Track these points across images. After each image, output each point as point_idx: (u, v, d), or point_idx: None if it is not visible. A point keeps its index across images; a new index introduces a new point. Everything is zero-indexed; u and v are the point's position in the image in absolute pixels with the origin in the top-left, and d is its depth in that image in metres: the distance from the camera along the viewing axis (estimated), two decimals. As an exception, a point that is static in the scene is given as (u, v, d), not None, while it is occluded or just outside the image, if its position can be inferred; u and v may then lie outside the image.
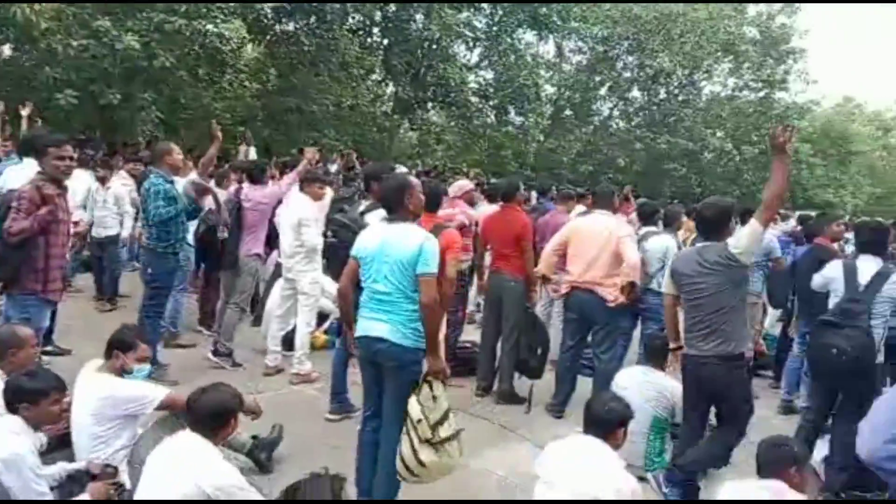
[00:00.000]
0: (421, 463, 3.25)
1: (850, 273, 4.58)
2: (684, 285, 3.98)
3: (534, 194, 11.05)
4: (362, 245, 3.52)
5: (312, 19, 16.80)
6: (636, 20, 23.22)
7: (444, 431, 3.29)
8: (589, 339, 5.51)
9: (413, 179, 3.76)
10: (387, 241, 3.41)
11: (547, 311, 6.84)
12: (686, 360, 4.02)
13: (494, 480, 4.27)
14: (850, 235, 9.31)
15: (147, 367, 3.55)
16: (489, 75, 22.87)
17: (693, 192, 26.70)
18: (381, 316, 3.40)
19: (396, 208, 3.51)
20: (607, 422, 3.14)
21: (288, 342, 5.92)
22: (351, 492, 3.47)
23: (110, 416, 3.27)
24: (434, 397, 3.33)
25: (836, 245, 6.71)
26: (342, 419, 4.81)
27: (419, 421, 3.24)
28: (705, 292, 3.84)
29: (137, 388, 3.30)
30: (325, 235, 5.42)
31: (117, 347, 3.46)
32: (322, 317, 6.48)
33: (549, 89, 26.26)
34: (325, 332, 6.60)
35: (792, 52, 27.21)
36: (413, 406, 3.28)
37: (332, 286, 5.45)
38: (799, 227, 10.10)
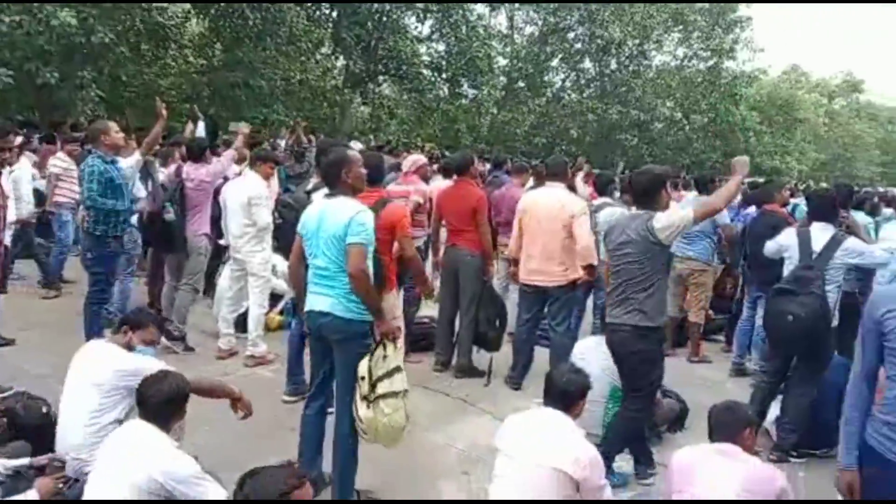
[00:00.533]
0: (359, 419, 3.32)
1: (804, 240, 4.67)
2: (610, 251, 3.99)
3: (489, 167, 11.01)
4: (304, 222, 3.52)
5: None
6: (587, -11, 23.26)
7: (381, 388, 3.33)
8: (545, 310, 5.52)
9: (353, 154, 3.68)
10: (324, 216, 3.40)
11: (504, 284, 6.84)
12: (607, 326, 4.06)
13: (454, 454, 4.27)
14: (797, 201, 9.56)
15: (151, 349, 3.48)
16: (441, 48, 22.69)
17: (645, 162, 27.06)
18: (323, 290, 3.40)
19: (335, 183, 3.48)
20: (567, 393, 3.13)
21: (241, 324, 5.81)
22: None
23: (114, 385, 3.19)
24: (385, 356, 3.38)
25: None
26: (299, 401, 4.75)
27: (362, 378, 3.31)
28: (622, 260, 3.85)
29: (144, 361, 3.24)
30: (272, 215, 5.31)
31: (128, 324, 3.44)
32: (276, 297, 6.37)
33: (502, 61, 26.21)
34: (281, 312, 6.49)
35: (739, 21, 27.63)
36: (362, 365, 3.33)
37: (284, 265, 5.35)
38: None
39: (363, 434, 3.37)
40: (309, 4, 19.35)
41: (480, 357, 5.67)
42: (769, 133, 33.40)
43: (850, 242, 4.54)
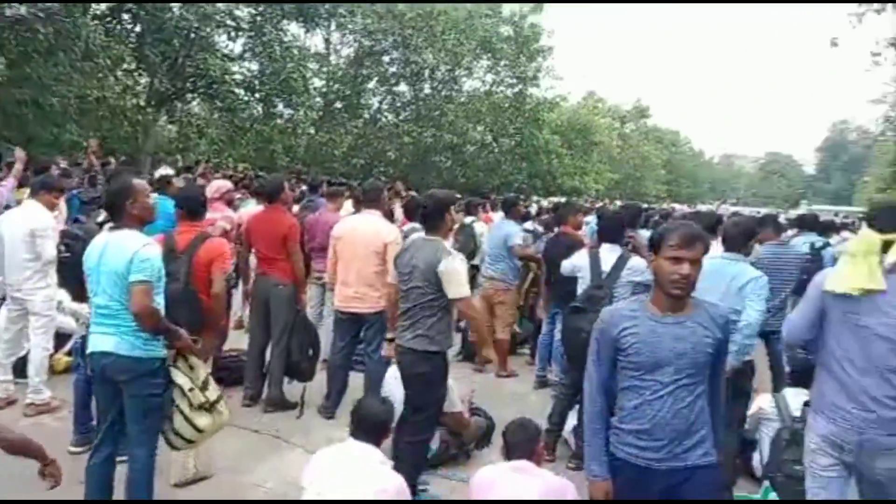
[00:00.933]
0: (198, 429, 3.33)
1: (594, 261, 5.05)
2: (400, 274, 4.07)
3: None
4: (86, 257, 3.32)
5: (49, 3, 14.99)
6: (400, 17, 23.76)
7: (211, 394, 3.41)
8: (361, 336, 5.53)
9: (138, 183, 3.46)
10: (105, 250, 3.22)
11: (318, 312, 6.77)
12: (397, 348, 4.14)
13: (262, 494, 4.13)
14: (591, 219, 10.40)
15: None
16: (254, 67, 22.12)
17: (458, 183, 28.08)
18: (106, 329, 3.23)
19: (119, 215, 3.30)
20: (374, 425, 3.17)
21: (21, 368, 5.24)
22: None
23: None
24: (191, 367, 3.38)
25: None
26: (87, 451, 4.36)
27: (191, 389, 3.29)
28: (410, 284, 3.95)
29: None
30: (58, 248, 4.87)
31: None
32: (63, 337, 5.82)
33: (318, 82, 26.05)
34: (68, 353, 5.92)
35: (542, 51, 29.51)
36: (180, 377, 3.29)
37: (70, 302, 4.92)
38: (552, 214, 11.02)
39: (185, 444, 3.41)
40: (108, 19, 18.09)
41: (292, 388, 5.55)
42: (569, 155, 35.97)
43: (634, 261, 4.94)
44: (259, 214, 5.92)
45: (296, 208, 8.79)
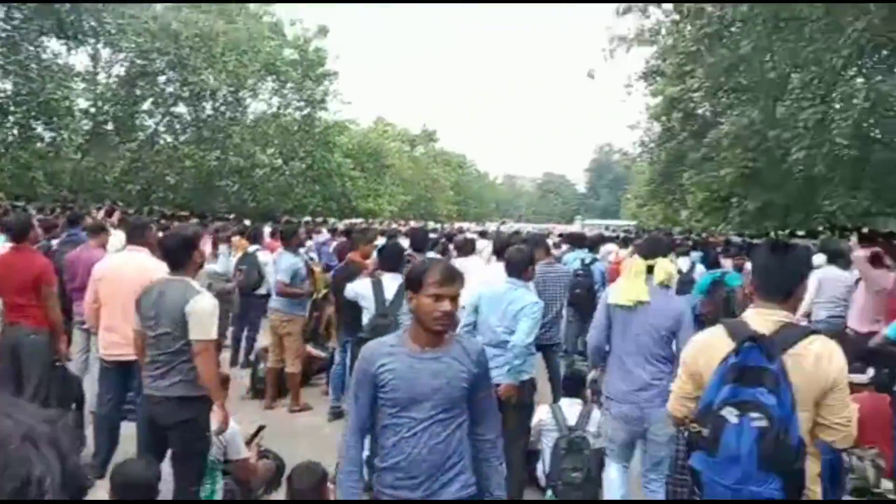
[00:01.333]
0: None
1: (377, 289, 5.05)
2: (144, 318, 3.79)
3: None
4: None
5: None
6: (175, 36, 22.50)
7: None
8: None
9: None
10: None
11: (83, 359, 6.09)
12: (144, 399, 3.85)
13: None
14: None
15: None
16: (8, 86, 19.75)
17: (248, 208, 27.13)
18: None
19: None
20: (135, 490, 2.88)
21: None
22: None
23: None
24: None
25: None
26: None
27: None
28: (158, 331, 3.72)
29: None
30: None
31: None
32: None
33: (84, 103, 23.86)
34: None
35: (328, 75, 29.46)
36: None
37: None
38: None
39: None
40: None
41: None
42: (363, 178, 36.26)
43: None
44: (4, 256, 5.24)
45: (55, 243, 7.97)
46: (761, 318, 2.54)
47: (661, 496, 4.08)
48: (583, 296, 7.89)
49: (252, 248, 8.66)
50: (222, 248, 8.29)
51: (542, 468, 5.10)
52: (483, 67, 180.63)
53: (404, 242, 8.77)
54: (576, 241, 10.18)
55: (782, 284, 2.58)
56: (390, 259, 5.29)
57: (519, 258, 4.81)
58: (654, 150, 21.64)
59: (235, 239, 9.48)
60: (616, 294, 4.10)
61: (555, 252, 10.04)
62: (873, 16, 8.78)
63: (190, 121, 26.25)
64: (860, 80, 9.28)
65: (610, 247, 12.01)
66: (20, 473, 0.77)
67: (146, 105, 25.52)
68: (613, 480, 4.31)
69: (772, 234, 18.05)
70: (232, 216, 25.46)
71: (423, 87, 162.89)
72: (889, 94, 8.95)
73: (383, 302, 5.00)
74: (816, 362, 2.43)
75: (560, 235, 17.54)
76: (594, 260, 8.79)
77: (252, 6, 27.16)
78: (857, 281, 7.56)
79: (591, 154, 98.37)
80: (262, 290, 7.94)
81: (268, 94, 28.67)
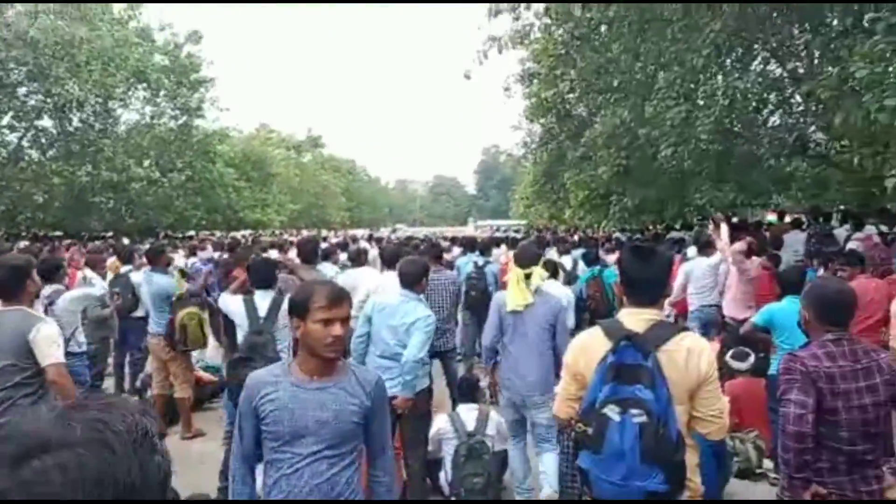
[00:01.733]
0: None
1: (250, 307, 4.91)
2: None
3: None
4: None
5: None
6: (35, 44, 20.98)
7: None
8: None
9: None
10: None
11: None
12: None
13: None
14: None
15: None
16: None
17: (125, 225, 25.76)
18: None
19: None
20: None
21: None
22: None
23: None
24: None
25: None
26: None
27: None
28: None
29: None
30: None
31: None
32: None
33: (-71, 118, 21.90)
34: None
35: (204, 81, 28.39)
36: None
37: None
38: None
39: None
40: None
41: None
42: (248, 188, 35.25)
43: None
44: None
45: None
46: (634, 318, 2.63)
47: (553, 461, 4.65)
48: (478, 298, 8.00)
49: (125, 269, 8.21)
50: (88, 272, 7.74)
51: (444, 477, 5.12)
52: (367, 71, 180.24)
53: (292, 253, 8.61)
54: (469, 245, 10.40)
55: (648, 291, 2.69)
56: (260, 275, 5.14)
57: (412, 270, 4.78)
58: (536, 150, 22.25)
59: (111, 261, 8.93)
60: (509, 302, 4.80)
61: (447, 256, 10.16)
62: (727, 16, 9.39)
63: (56, 134, 24.59)
64: (720, 78, 9.85)
65: (501, 249, 12.29)
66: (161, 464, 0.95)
67: (6, 119, 23.68)
68: (514, 462, 4.96)
69: (650, 227, 18.99)
70: (109, 234, 24.08)
71: (306, 92, 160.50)
72: (746, 92, 9.56)
73: (257, 319, 4.86)
74: (688, 357, 2.54)
75: (451, 239, 17.73)
76: (487, 262, 8.94)
77: (117, 11, 25.75)
78: (719, 264, 8.02)
79: (479, 156, 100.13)
80: (139, 313, 7.53)
81: (140, 104, 27.28)
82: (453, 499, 4.92)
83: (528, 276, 4.82)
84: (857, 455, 2.83)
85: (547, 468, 4.76)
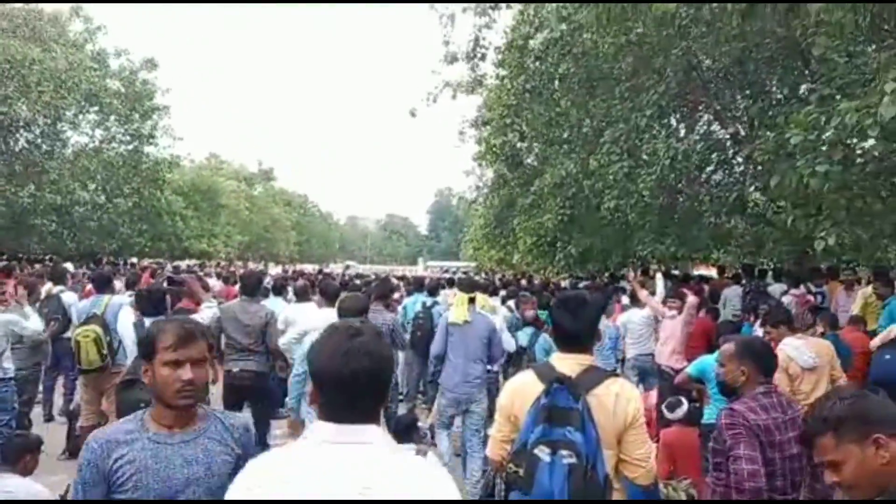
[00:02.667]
0: None
1: (139, 331, 5.12)
2: None
3: None
4: None
5: None
6: (-19, 64, 20.56)
7: None
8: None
9: None
10: None
11: None
12: None
13: None
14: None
15: None
16: None
17: (67, 248, 25.06)
18: None
19: None
20: None
21: None
22: None
23: None
24: None
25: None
26: None
27: None
28: None
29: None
30: None
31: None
32: None
33: None
34: None
35: (157, 109, 28.10)
36: None
37: None
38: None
39: None
40: None
41: None
42: (196, 217, 34.73)
43: None
44: None
45: None
46: (566, 363, 2.76)
47: (479, 450, 5.54)
48: (423, 338, 8.01)
49: (56, 290, 8.03)
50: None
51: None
52: (323, 107, 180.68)
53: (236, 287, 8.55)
54: (417, 285, 10.60)
55: (579, 339, 2.82)
56: (151, 303, 5.28)
57: (353, 306, 4.85)
58: (488, 195, 22.64)
59: (46, 287, 8.66)
60: (451, 316, 6.10)
61: (396, 295, 10.23)
62: (671, 79, 9.91)
63: (0, 153, 23.96)
64: (662, 137, 10.30)
65: (448, 291, 12.44)
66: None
67: (-52, 138, 23.03)
68: (443, 446, 6.11)
69: (596, 276, 19.42)
70: (49, 257, 23.34)
71: (258, 124, 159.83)
72: (688, 151, 10.02)
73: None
74: (616, 402, 2.67)
75: (400, 278, 17.79)
76: (434, 303, 9.04)
77: (73, 34, 25.43)
78: (652, 315, 8.30)
79: (431, 196, 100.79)
80: (69, 334, 7.34)
81: (90, 127, 26.81)
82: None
83: (471, 300, 6.11)
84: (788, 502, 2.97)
85: (471, 474, 5.63)
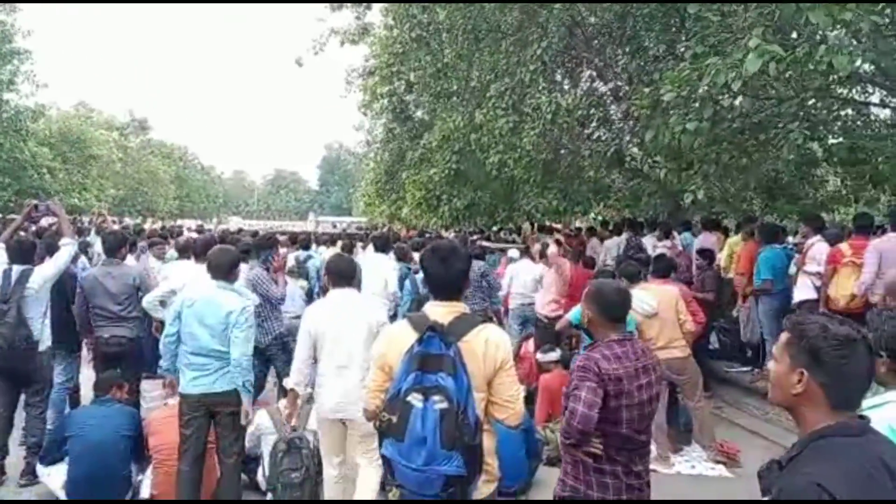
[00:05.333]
0: None
1: (6, 278, 5.16)
2: None
3: None
4: None
5: None
6: None
7: None
8: None
9: None
10: None
11: None
12: None
13: None
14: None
15: None
16: None
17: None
18: None
19: None
20: None
21: None
22: None
23: None
24: None
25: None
26: None
27: None
28: None
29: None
30: None
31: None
32: None
33: None
34: None
35: (18, 53, 25.84)
36: None
37: None
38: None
39: None
40: None
41: None
42: (65, 170, 32.51)
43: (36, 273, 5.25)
44: None
45: None
46: (440, 310, 2.78)
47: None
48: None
49: None
50: None
51: (262, 472, 5.04)
52: (205, 56, 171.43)
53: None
54: (292, 240, 10.68)
55: (450, 286, 2.87)
56: (17, 253, 5.37)
57: (223, 259, 4.60)
58: (378, 150, 22.37)
59: None
60: None
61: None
62: (554, 35, 10.02)
63: None
64: (545, 92, 10.43)
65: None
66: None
67: None
68: None
69: (483, 229, 19.72)
70: None
71: (135, 72, 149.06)
72: (570, 107, 10.21)
73: (6, 287, 5.11)
74: (486, 347, 2.72)
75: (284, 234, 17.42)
76: (308, 257, 9.14)
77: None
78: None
79: (321, 151, 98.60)
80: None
81: (-62, 71, 24.31)
82: (269, 496, 4.85)
83: None
84: (634, 440, 3.12)
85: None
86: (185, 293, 4.68)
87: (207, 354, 4.42)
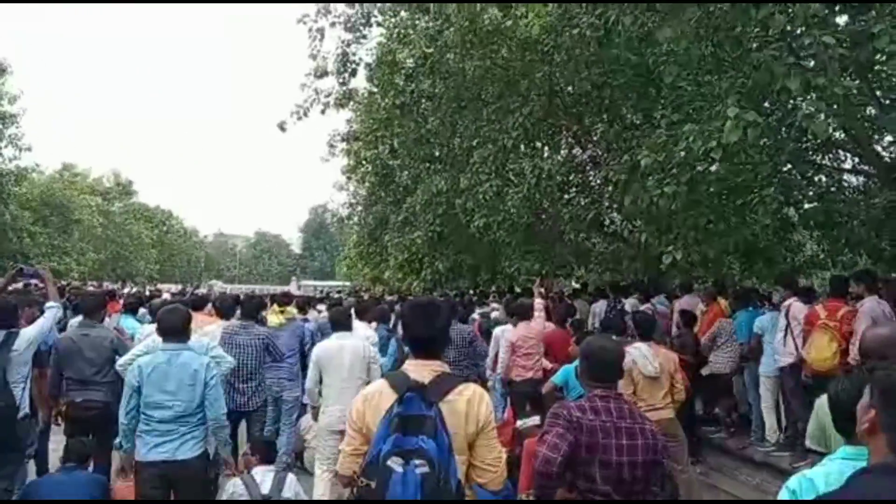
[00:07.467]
0: None
1: None
2: None
3: None
4: None
5: None
6: None
7: None
8: None
9: None
10: None
11: None
12: None
13: None
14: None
15: None
16: None
17: None
18: None
19: None
20: None
21: None
22: None
23: None
24: None
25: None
26: None
27: None
28: None
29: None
30: None
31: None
32: None
33: None
34: None
35: (3, 118, 26.01)
36: None
37: None
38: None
39: None
40: None
41: None
42: (45, 234, 32.31)
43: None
44: None
45: None
46: (419, 370, 2.72)
47: None
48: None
49: None
50: None
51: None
52: (189, 120, 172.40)
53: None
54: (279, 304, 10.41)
55: (430, 343, 2.82)
56: (2, 316, 5.14)
57: (172, 319, 4.48)
58: (361, 213, 22.50)
59: None
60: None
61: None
62: (535, 103, 10.28)
63: None
64: (528, 158, 10.62)
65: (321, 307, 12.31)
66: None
67: None
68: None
69: (466, 292, 19.71)
70: None
71: (121, 135, 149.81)
72: (552, 172, 10.39)
73: None
74: (468, 406, 2.66)
75: (270, 297, 17.28)
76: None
77: None
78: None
79: (304, 214, 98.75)
80: None
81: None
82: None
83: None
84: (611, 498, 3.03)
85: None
86: (141, 360, 4.48)
87: (175, 420, 4.26)
